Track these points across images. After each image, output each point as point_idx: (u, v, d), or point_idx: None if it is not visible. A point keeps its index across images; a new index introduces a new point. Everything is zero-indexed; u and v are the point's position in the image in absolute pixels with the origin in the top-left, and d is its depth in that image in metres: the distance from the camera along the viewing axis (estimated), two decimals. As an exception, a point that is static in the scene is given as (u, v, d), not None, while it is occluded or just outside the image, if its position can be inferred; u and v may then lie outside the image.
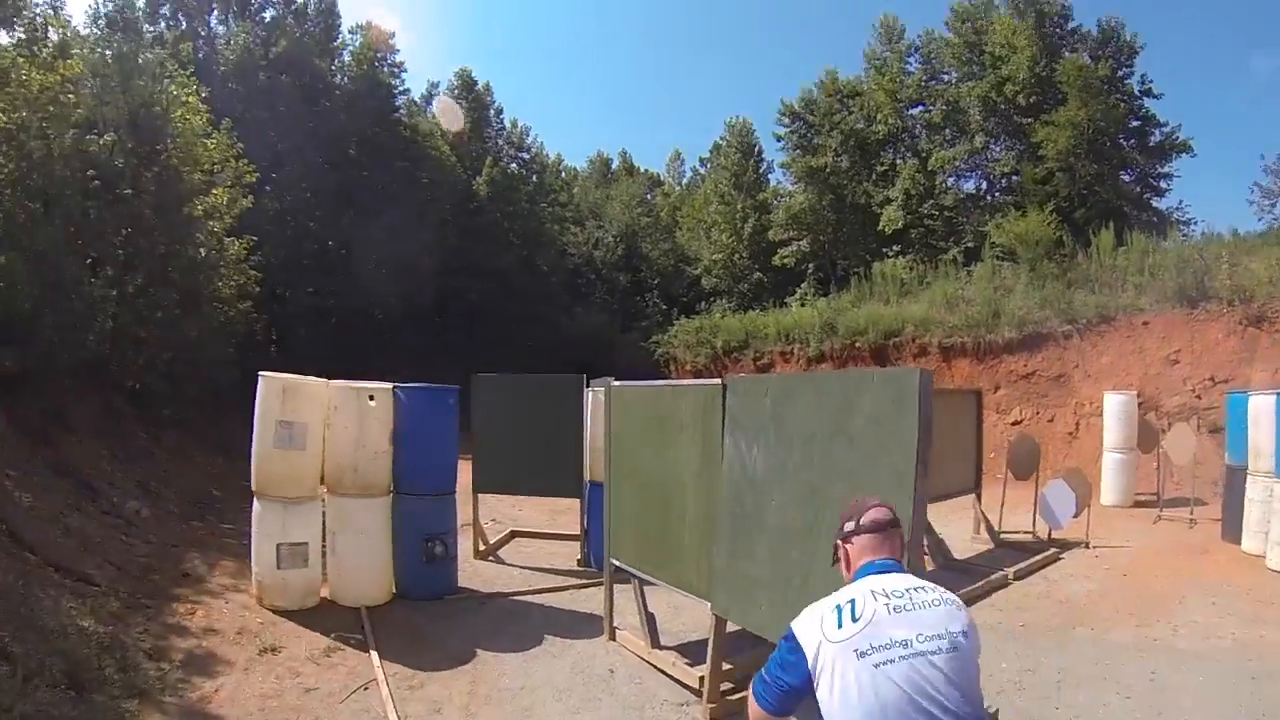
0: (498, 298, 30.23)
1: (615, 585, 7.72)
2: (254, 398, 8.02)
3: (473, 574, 9.99)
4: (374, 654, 7.16)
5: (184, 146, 14.60)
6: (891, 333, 22.60)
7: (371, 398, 8.32)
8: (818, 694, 2.53)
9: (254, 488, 8.12)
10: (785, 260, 30.80)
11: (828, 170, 30.22)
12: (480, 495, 10.92)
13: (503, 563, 10.74)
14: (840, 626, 2.53)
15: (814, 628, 2.60)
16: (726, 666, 6.25)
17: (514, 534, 11.54)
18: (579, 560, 10.64)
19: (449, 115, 19.38)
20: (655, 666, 6.98)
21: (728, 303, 32.03)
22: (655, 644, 7.25)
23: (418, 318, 29.21)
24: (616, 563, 7.54)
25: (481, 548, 10.84)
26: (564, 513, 12.58)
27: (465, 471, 10.15)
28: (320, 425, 8.18)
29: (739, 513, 5.63)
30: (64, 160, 11.57)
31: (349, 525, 8.31)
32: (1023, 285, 21.70)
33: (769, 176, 35.08)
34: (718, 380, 6.22)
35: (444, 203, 29.88)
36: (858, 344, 23.17)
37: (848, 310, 24.50)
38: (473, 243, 30.19)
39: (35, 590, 6.92)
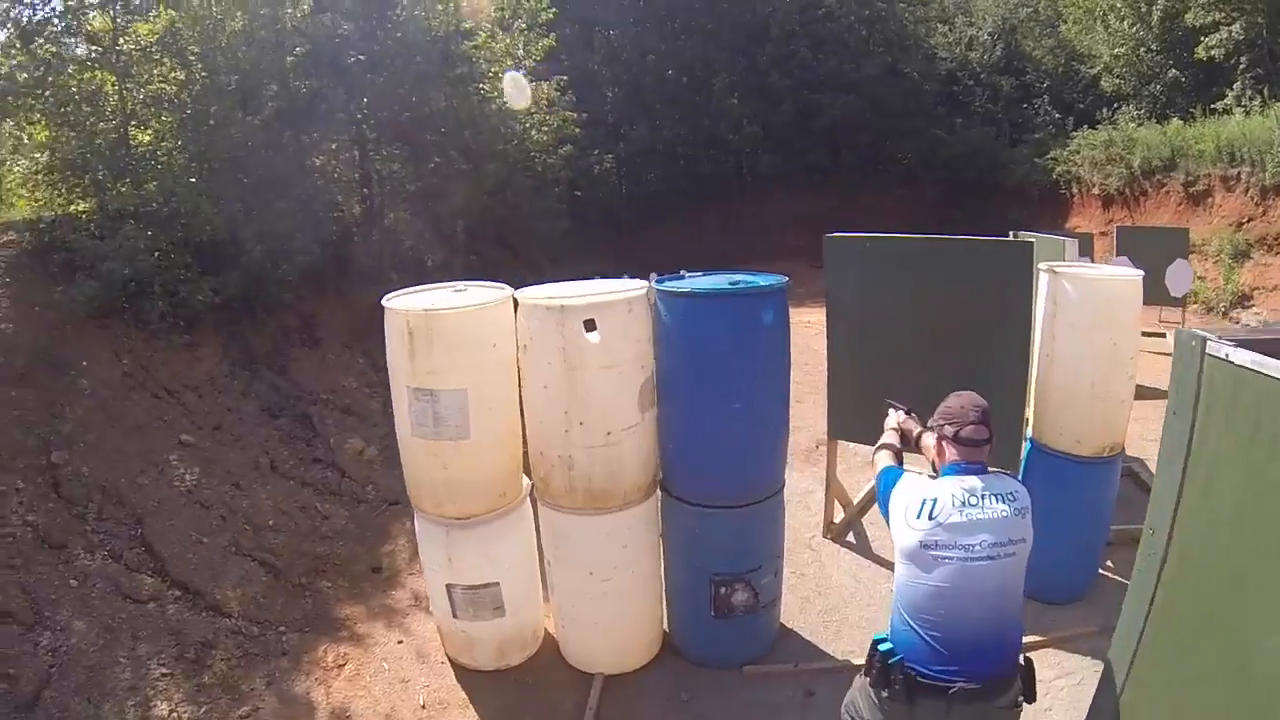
0: (862, 113, 25.72)
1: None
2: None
3: (813, 581, 5.81)
4: None
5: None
6: None
7: (591, 325, 3.93)
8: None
9: (409, 491, 4.46)
10: (1211, 52, 22.31)
11: (1268, -78, 21.46)
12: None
13: (867, 550, 6.25)
14: (919, 518, 2.87)
15: (900, 507, 2.97)
16: None
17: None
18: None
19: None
20: None
21: (1135, 108, 24.49)
22: None
23: (776, 141, 25.79)
24: None
25: (837, 519, 6.45)
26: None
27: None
28: (503, 385, 4.18)
29: None
30: (235, 52, 9.28)
31: (570, 557, 4.36)
32: None
33: (1177, -58, 26.71)
34: None
35: (789, 13, 25.60)
36: None
37: None
38: (827, 53, 25.82)
39: (120, 651, 4.94)
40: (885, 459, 3.38)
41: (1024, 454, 5.46)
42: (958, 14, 30.67)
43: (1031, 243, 5.30)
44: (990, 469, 3.00)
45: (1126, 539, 6.01)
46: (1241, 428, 2.32)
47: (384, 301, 4.08)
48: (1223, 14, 22.37)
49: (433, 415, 3.96)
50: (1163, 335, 12.41)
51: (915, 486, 3.00)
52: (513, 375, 4.16)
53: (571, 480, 4.08)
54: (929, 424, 3.21)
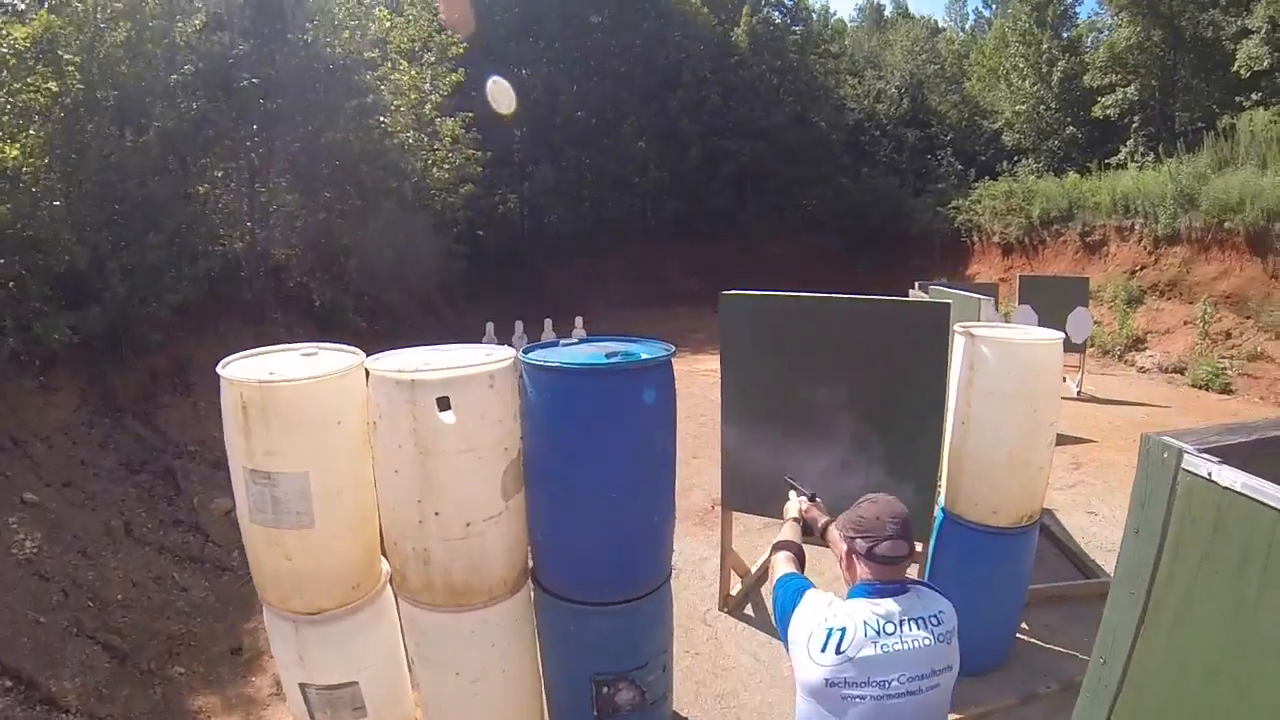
0: (770, 159, 26.10)
1: None
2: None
3: (709, 661, 5.26)
4: None
5: (333, 23, 11.21)
6: (1278, 213, 14.77)
7: (445, 405, 3.35)
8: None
9: (254, 581, 3.79)
10: (1107, 111, 23.44)
11: (1160, -6, 22.22)
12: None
13: (767, 624, 5.64)
14: (824, 651, 2.34)
15: (802, 634, 2.40)
16: None
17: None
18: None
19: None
20: None
21: (1034, 162, 25.49)
22: None
23: (682, 185, 26.13)
24: None
25: (734, 590, 5.94)
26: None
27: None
28: (352, 466, 3.51)
29: None
30: (117, 66, 8.34)
31: (433, 656, 3.74)
32: None
33: (1078, 9, 27.53)
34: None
35: (701, 60, 25.96)
36: (1227, 224, 15.55)
37: (1209, 178, 16.75)
38: (738, 101, 26.33)
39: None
40: (784, 564, 2.76)
41: (935, 523, 5.06)
42: (867, 67, 31.63)
43: (948, 305, 4.82)
44: (910, 582, 2.50)
45: (1040, 598, 5.74)
46: (1226, 560, 1.83)
47: (219, 368, 3.43)
48: (1119, 76, 23.47)
49: (271, 500, 3.33)
50: (1063, 380, 12.38)
51: (820, 610, 2.43)
52: (364, 453, 3.53)
53: (429, 574, 3.48)
54: (839, 530, 2.61)
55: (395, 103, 12.49)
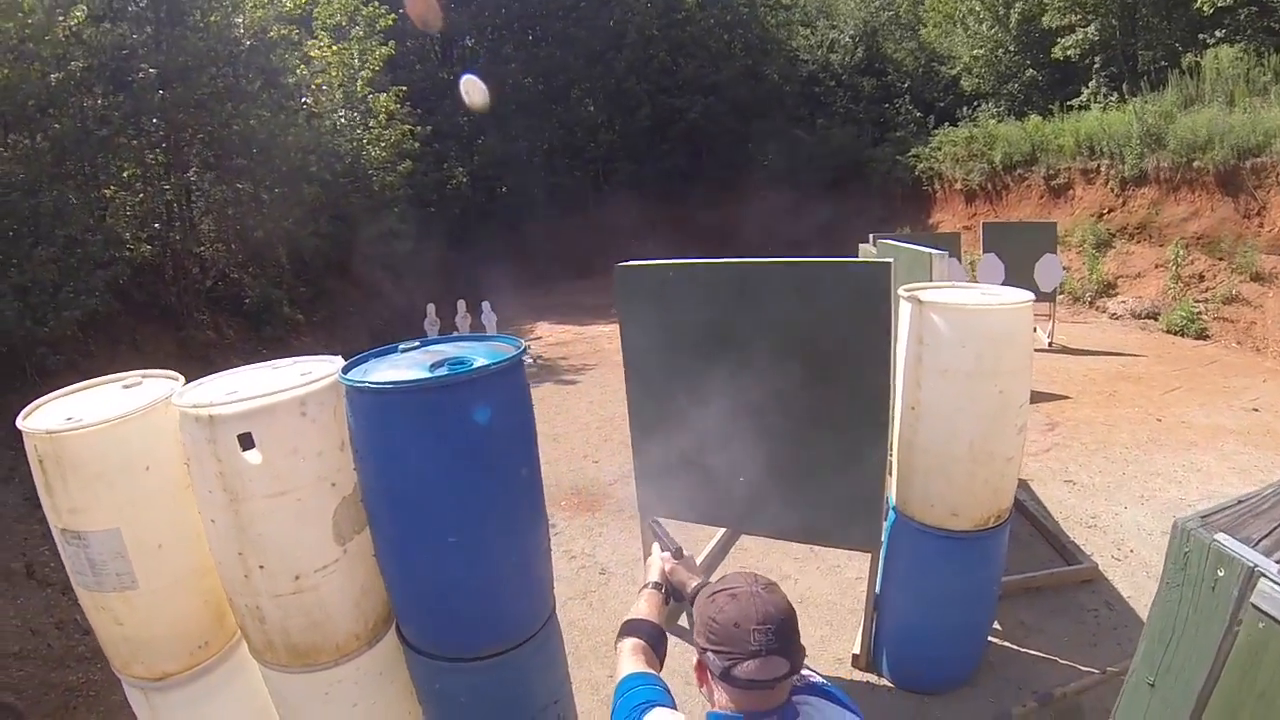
0: (723, 114, 25.71)
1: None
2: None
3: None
4: None
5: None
6: (1248, 151, 14.11)
7: (248, 442, 2.69)
8: None
9: (101, 645, 3.33)
10: (1068, 52, 22.55)
11: (1121, -71, 21.48)
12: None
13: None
14: None
15: None
16: None
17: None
18: (855, 657, 4.87)
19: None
20: None
21: (994, 106, 24.86)
22: None
23: (633, 147, 25.65)
24: None
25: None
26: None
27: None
28: (171, 516, 2.99)
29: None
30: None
31: (293, 718, 3.22)
32: None
33: (1038, -55, 26.99)
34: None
35: (647, 17, 25.37)
36: (1196, 163, 14.96)
37: (1175, 116, 16.10)
38: (687, 57, 25.87)
39: None
40: (630, 659, 2.02)
41: (887, 526, 4.50)
42: (819, 17, 30.90)
43: (887, 264, 4.03)
44: (800, 695, 1.71)
45: (1014, 590, 5.22)
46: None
47: (20, 418, 2.86)
48: (1078, 16, 22.79)
49: (88, 563, 2.87)
50: (1033, 330, 12.11)
51: None
52: (187, 498, 2.96)
53: (267, 634, 2.98)
54: (693, 624, 1.80)
55: (317, 81, 11.93)
